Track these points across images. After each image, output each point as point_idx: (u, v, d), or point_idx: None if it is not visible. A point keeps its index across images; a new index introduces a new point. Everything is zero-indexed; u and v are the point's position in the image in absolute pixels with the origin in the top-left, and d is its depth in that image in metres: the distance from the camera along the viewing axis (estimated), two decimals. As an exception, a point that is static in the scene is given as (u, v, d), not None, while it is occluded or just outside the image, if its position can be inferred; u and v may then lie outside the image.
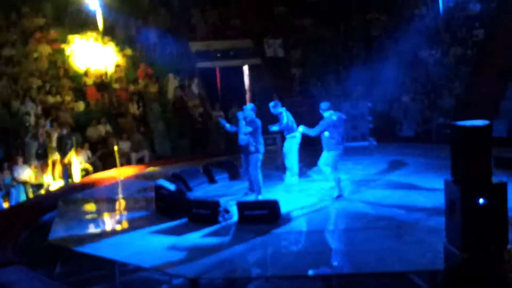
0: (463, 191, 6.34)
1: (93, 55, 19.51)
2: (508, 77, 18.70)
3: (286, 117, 12.57)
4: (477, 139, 6.39)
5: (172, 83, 20.13)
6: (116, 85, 19.56)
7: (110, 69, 19.54)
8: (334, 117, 11.24)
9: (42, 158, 15.36)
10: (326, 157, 11.39)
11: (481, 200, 6.30)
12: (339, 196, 11.32)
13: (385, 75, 20.58)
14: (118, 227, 10.58)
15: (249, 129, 11.34)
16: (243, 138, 11.55)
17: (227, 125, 12.22)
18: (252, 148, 11.42)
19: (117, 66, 20.19)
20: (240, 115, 11.78)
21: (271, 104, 12.74)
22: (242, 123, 11.53)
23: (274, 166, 14.68)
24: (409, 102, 19.65)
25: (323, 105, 11.39)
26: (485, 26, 20.68)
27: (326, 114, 11.29)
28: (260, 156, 11.52)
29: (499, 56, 19.41)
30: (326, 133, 11.22)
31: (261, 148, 11.55)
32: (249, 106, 11.83)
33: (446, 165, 6.90)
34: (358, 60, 21.18)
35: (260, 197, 11.41)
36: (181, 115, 19.51)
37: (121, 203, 12.65)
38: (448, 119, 17.23)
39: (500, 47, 19.61)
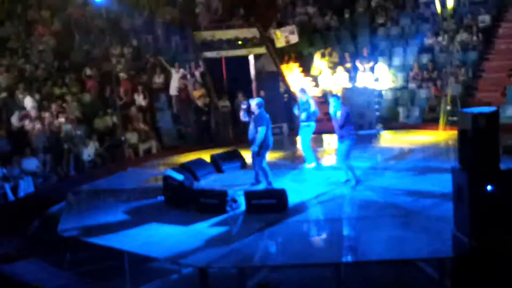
0: (471, 178, 6.35)
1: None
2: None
3: (314, 105, 12.80)
4: (484, 125, 6.38)
5: (177, 73, 20.08)
6: (122, 76, 19.54)
7: None
8: (346, 108, 11.32)
9: (50, 150, 15.42)
10: (339, 147, 11.42)
11: (489, 187, 6.30)
12: (358, 182, 11.35)
13: (391, 62, 20.56)
14: (127, 217, 10.61)
15: (262, 130, 11.28)
16: (250, 132, 11.55)
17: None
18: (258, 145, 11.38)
19: (121, 56, 20.22)
20: (244, 103, 11.71)
21: (300, 89, 13.04)
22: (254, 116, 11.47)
23: (282, 155, 14.69)
24: (415, 89, 19.58)
25: (337, 96, 11.43)
26: (491, 11, 20.58)
27: (337, 104, 11.30)
28: (266, 150, 11.48)
29: (505, 42, 19.31)
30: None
31: (270, 142, 11.51)
32: (255, 100, 11.76)
33: (454, 152, 6.90)
34: (364, 47, 21.08)
35: (270, 187, 11.42)
36: (187, 106, 19.49)
37: (129, 193, 12.67)
38: (455, 106, 17.17)
39: (506, 33, 19.51)
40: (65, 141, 15.56)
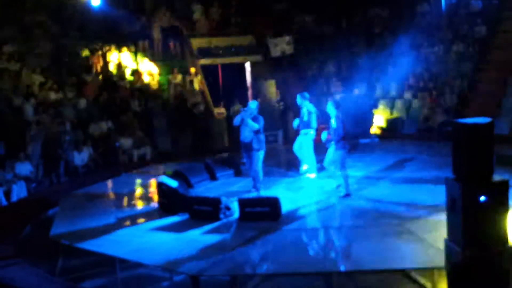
0: (465, 188, 6.33)
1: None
2: (510, 74, 18.65)
3: (308, 113, 12.70)
4: (478, 136, 6.38)
5: (173, 80, 20.09)
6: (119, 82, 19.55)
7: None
8: (340, 115, 11.31)
9: (43, 154, 15.40)
10: (333, 155, 11.39)
11: (482, 198, 6.29)
12: (347, 195, 11.27)
13: (387, 72, 20.60)
14: (120, 224, 10.57)
15: (256, 126, 11.34)
16: (247, 136, 11.54)
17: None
18: (256, 146, 11.43)
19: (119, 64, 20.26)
20: (245, 112, 11.69)
21: (300, 95, 12.93)
22: (249, 120, 11.44)
23: (276, 163, 14.68)
24: (411, 99, 19.62)
25: (334, 102, 11.42)
26: (487, 23, 20.63)
27: (334, 112, 11.30)
28: (262, 153, 11.54)
29: (501, 53, 19.37)
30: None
31: (263, 146, 11.56)
32: (253, 104, 11.79)
33: (448, 163, 6.89)
34: (360, 57, 21.14)
35: (260, 193, 11.42)
36: (182, 112, 19.49)
37: (122, 199, 12.64)
38: (450, 116, 17.20)
39: (502, 44, 19.57)
40: (58, 146, 15.53)
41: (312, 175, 12.91)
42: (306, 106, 12.88)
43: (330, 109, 11.34)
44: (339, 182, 11.53)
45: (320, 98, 18.84)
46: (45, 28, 20.29)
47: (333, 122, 11.26)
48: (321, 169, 11.83)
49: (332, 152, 11.39)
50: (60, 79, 18.76)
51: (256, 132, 11.44)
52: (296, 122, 12.88)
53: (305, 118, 12.82)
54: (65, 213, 11.62)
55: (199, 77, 20.54)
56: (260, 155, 11.55)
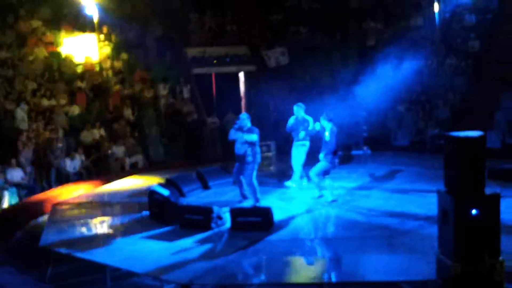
0: (456, 201, 6.35)
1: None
2: (502, 88, 18.75)
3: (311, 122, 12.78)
4: (471, 150, 6.40)
5: (163, 90, 20.07)
6: (115, 88, 19.52)
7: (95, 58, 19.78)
8: (334, 128, 11.48)
9: (35, 161, 15.35)
10: (318, 165, 11.59)
11: (474, 211, 6.30)
12: (320, 196, 11.73)
13: (380, 85, 20.63)
14: (111, 232, 10.53)
15: (255, 137, 11.29)
16: (239, 147, 11.48)
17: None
18: (250, 158, 11.35)
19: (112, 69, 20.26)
20: (239, 123, 11.63)
21: (297, 105, 12.95)
22: (245, 136, 11.36)
23: (269, 173, 14.67)
24: (404, 112, 19.67)
25: (327, 115, 11.52)
26: (480, 37, 20.76)
27: (329, 124, 11.46)
28: (256, 165, 11.49)
29: (494, 67, 19.47)
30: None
31: (258, 158, 11.52)
32: (244, 115, 11.75)
33: (440, 175, 6.91)
34: (354, 69, 21.21)
35: (258, 204, 11.40)
36: (175, 121, 19.48)
37: (114, 208, 12.60)
38: (443, 129, 17.26)
39: (495, 58, 19.68)
40: (50, 153, 15.49)
41: (294, 185, 13.00)
42: (303, 116, 12.90)
43: (323, 122, 11.52)
44: (323, 192, 11.80)
45: (314, 109, 18.89)
46: (39, 35, 20.28)
47: (326, 134, 11.41)
48: (307, 179, 11.95)
49: (320, 163, 11.57)
50: (53, 86, 18.72)
51: (252, 144, 11.39)
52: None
53: (309, 128, 12.76)
54: (56, 220, 11.57)
55: (190, 86, 20.51)
56: (253, 167, 11.49)
